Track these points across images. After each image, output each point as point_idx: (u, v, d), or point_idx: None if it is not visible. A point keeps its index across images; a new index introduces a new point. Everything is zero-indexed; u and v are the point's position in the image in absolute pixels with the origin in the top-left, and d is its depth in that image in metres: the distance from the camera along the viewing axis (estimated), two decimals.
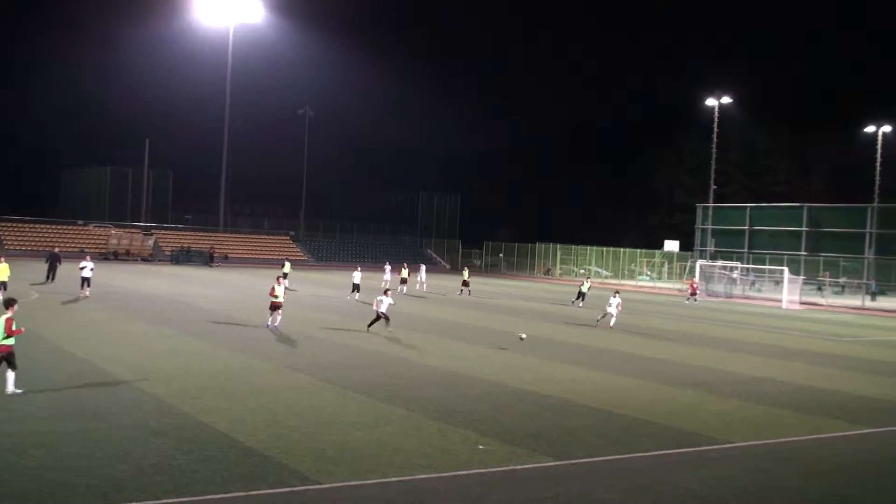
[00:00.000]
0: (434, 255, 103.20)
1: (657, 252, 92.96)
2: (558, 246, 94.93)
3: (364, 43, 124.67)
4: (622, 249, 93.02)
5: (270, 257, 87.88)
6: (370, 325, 30.37)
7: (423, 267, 60.95)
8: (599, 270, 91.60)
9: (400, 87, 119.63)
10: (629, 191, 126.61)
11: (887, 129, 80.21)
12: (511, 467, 13.68)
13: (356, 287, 45.65)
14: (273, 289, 29.78)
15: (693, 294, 60.30)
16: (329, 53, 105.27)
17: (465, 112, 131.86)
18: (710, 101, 75.92)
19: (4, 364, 16.60)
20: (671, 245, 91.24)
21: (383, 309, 30.34)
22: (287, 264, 55.85)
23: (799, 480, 13.98)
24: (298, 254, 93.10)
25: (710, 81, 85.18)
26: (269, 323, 29.79)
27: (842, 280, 69.05)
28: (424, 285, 57.48)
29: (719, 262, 68.77)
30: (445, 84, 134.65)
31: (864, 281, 64.66)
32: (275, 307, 29.69)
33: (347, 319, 34.68)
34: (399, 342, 28.31)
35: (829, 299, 64.17)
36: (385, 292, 31.34)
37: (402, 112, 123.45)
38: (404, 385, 20.26)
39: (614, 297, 38.01)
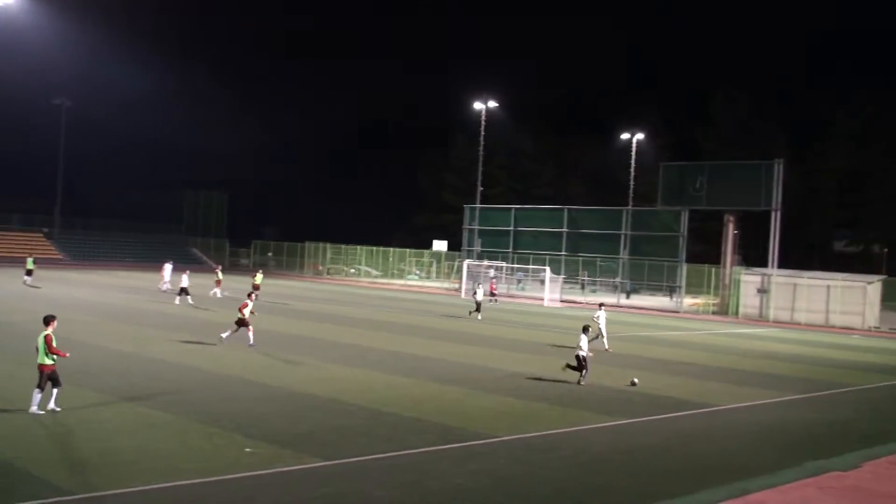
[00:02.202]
0: (200, 254, 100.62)
1: (426, 252, 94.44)
2: (328, 245, 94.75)
3: (129, 35, 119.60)
4: (392, 249, 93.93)
5: (21, 256, 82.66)
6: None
7: (169, 266, 55.85)
8: (370, 270, 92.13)
9: (167, 82, 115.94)
10: (398, 191, 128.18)
11: (640, 136, 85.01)
12: (279, 469, 13.49)
13: (184, 290, 43.75)
14: (244, 304, 28.12)
15: (493, 294, 61.11)
16: (90, 42, 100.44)
17: (232, 110, 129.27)
18: (478, 105, 77.91)
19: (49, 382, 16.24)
20: (439, 245, 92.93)
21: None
22: (30, 260, 53.15)
23: (559, 471, 14.53)
24: (53, 252, 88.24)
25: (478, 85, 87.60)
26: (226, 336, 27.89)
27: (618, 280, 72.40)
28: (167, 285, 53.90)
29: (485, 262, 70.67)
30: (214, 81, 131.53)
31: (619, 280, 68.25)
32: (241, 323, 27.69)
33: (105, 321, 33.21)
34: (160, 344, 27.35)
35: (588, 297, 67.31)
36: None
37: (168, 108, 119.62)
38: (167, 388, 19.59)
39: (600, 309, 34.14)
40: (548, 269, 64.62)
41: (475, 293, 48.18)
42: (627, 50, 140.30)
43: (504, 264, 69.96)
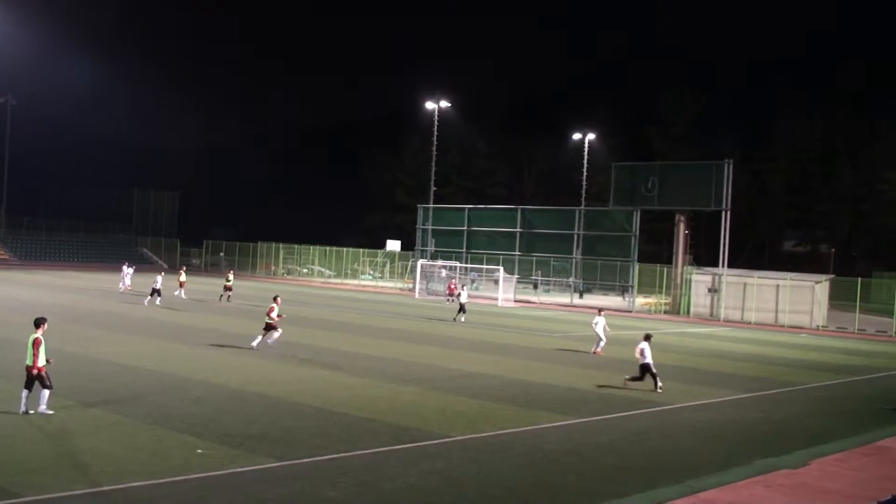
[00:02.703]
0: (150, 254, 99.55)
1: (379, 252, 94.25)
2: (281, 245, 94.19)
3: (77, 32, 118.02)
4: (345, 249, 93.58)
5: None
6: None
7: (131, 267, 55.67)
8: (323, 270, 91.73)
9: (115, 79, 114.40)
10: (351, 191, 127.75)
11: (592, 136, 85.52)
12: (232, 470, 13.39)
13: (156, 291, 43.73)
14: (271, 308, 28.43)
15: (450, 294, 61.04)
16: (35, 39, 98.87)
17: (184, 109, 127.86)
18: (430, 105, 77.87)
19: (37, 383, 16.42)
20: (393, 245, 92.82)
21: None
22: None
23: (513, 470, 14.58)
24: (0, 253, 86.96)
25: (431, 84, 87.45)
26: (258, 342, 28.15)
27: (572, 280, 72.64)
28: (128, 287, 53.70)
29: (439, 262, 70.69)
30: (163, 79, 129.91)
31: (573, 280, 68.65)
32: (269, 327, 28.11)
33: (51, 322, 32.70)
34: (108, 345, 27.02)
35: (541, 297, 67.62)
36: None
37: (117, 106, 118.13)
38: (116, 390, 19.37)
39: (599, 315, 33.44)
40: (501, 268, 64.82)
41: (459, 295, 47.45)
42: (579, 50, 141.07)
43: (458, 264, 70.00)
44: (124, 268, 53.42)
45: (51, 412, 16.39)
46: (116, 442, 14.73)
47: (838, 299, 61.64)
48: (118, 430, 15.60)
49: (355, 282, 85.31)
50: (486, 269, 69.70)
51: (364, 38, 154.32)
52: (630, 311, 60.18)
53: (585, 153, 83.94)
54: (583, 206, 74.93)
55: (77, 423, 15.89)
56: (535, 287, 70.17)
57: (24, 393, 16.45)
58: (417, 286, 69.01)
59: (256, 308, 45.56)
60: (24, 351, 16.72)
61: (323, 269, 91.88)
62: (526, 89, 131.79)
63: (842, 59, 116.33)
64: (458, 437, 16.73)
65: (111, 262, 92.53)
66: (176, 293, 48.54)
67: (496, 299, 62.72)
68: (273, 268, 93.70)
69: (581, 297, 67.88)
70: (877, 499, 10.06)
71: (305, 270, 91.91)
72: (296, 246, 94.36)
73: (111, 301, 45.07)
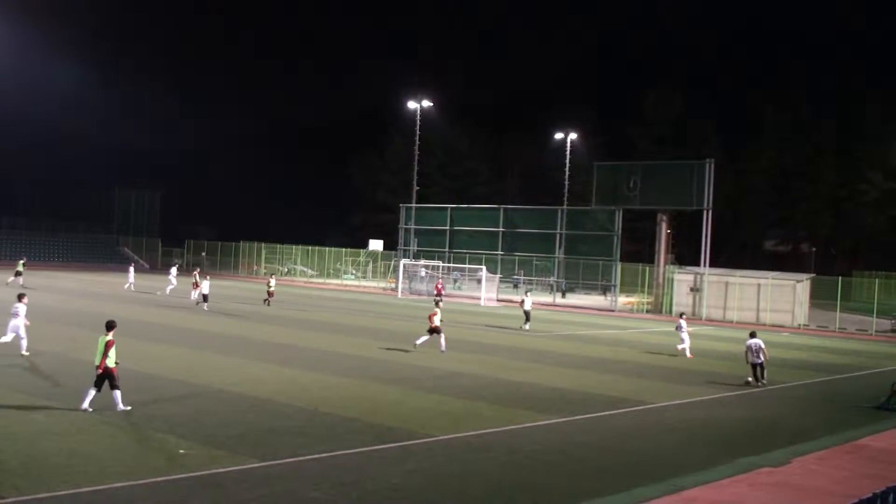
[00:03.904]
0: (132, 254, 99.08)
1: (362, 251, 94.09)
2: (263, 245, 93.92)
3: (58, 29, 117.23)
4: (327, 248, 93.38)
5: None
6: None
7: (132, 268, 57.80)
8: (305, 269, 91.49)
9: (97, 77, 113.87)
10: (333, 190, 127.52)
11: (574, 136, 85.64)
12: (213, 470, 13.33)
13: (205, 297, 43.48)
14: (433, 313, 30.50)
15: (438, 294, 61.22)
16: (15, 36, 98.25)
17: (167, 108, 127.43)
18: (412, 104, 77.78)
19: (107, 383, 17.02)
20: (375, 244, 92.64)
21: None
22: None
23: (496, 470, 14.58)
24: None
25: (413, 83, 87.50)
26: (421, 342, 30.41)
27: (552, 280, 72.70)
28: (132, 286, 55.03)
29: (422, 261, 70.64)
30: (145, 77, 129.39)
31: (555, 279, 68.73)
32: (434, 331, 30.20)
33: (34, 322, 32.48)
34: (89, 345, 26.85)
35: (523, 296, 67.60)
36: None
37: (99, 105, 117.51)
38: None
39: (681, 318, 35.23)
40: (484, 268, 64.85)
41: (522, 302, 44.27)
42: (562, 49, 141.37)
43: (440, 263, 69.97)
44: (130, 269, 57.18)
45: (128, 408, 17.19)
46: (97, 442, 14.64)
47: (819, 298, 61.93)
48: (99, 430, 15.50)
49: (338, 281, 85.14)
50: (469, 268, 69.71)
51: (345, 37, 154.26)
52: (612, 311, 60.29)
53: (568, 153, 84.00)
54: (565, 206, 75.00)
55: (58, 424, 15.78)
56: (515, 286, 70.14)
57: (92, 392, 17.03)
58: (400, 286, 68.97)
59: (217, 305, 45.43)
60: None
61: (305, 269, 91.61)
62: (508, 89, 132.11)
63: (825, 60, 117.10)
64: (442, 437, 16.71)
65: (92, 262, 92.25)
66: (193, 296, 48.08)
67: (479, 299, 62.73)
68: (255, 267, 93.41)
69: (564, 296, 67.97)
70: (858, 496, 10.08)
71: (286, 270, 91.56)
72: (278, 245, 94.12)
73: (93, 301, 44.80)
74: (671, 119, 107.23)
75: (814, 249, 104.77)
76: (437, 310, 30.74)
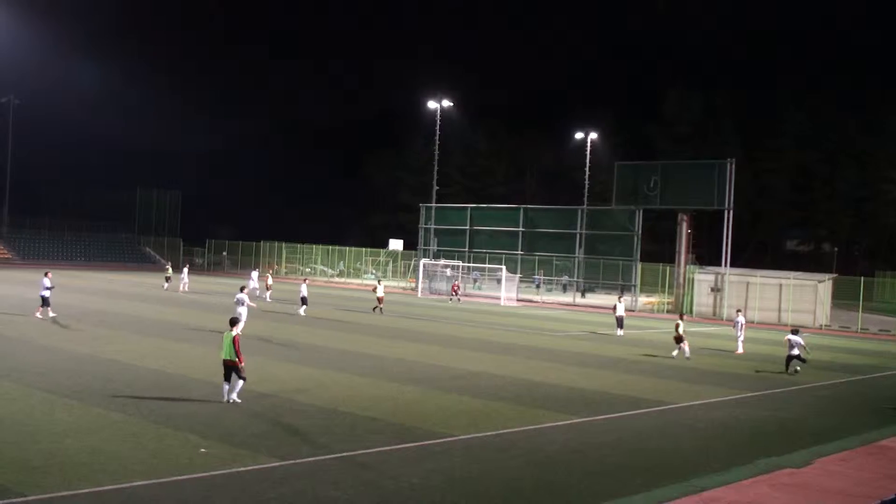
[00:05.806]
0: (153, 253, 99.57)
1: (382, 251, 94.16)
2: (283, 244, 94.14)
3: (81, 32, 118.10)
4: (348, 248, 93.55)
5: None
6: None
7: (186, 269, 59.00)
8: (325, 269, 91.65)
9: (119, 81, 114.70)
10: (354, 190, 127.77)
11: (594, 135, 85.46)
12: (234, 469, 13.38)
13: (304, 300, 43.51)
14: (677, 324, 32.68)
15: (455, 293, 61.57)
16: (39, 39, 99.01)
17: (188, 109, 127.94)
18: (432, 104, 77.79)
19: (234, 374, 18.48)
20: (395, 244, 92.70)
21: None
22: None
23: (515, 470, 14.56)
24: (1, 251, 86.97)
25: (434, 83, 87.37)
26: (676, 353, 32.37)
27: (564, 279, 72.61)
28: (187, 286, 55.96)
29: (442, 261, 70.62)
30: (165, 81, 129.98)
31: (566, 278, 68.57)
32: (679, 339, 32.32)
33: (61, 321, 32.73)
34: (112, 344, 27.01)
35: (544, 296, 67.55)
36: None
37: (120, 106, 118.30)
38: (119, 389, 19.36)
39: (738, 315, 37.05)
40: (504, 268, 64.78)
41: (615, 308, 41.91)
42: (582, 49, 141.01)
43: (460, 263, 69.94)
44: (184, 270, 58.18)
45: (240, 400, 18.43)
46: (119, 441, 14.72)
47: (841, 298, 61.52)
48: (121, 429, 15.59)
49: (358, 281, 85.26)
50: (489, 268, 69.66)
51: (366, 38, 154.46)
52: (632, 311, 60.04)
53: (588, 152, 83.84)
54: (585, 206, 74.87)
55: (80, 423, 15.88)
56: (537, 287, 70.08)
57: (225, 386, 18.58)
58: (420, 285, 69.03)
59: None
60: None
61: (326, 269, 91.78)
62: (528, 89, 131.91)
63: (845, 60, 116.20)
64: (461, 437, 16.71)
65: (114, 261, 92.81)
66: (266, 296, 50.45)
67: (499, 298, 62.67)
68: (276, 267, 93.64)
69: (584, 296, 67.82)
70: (880, 498, 10.03)
71: (308, 269, 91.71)
72: (298, 245, 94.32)
73: (111, 300, 45.04)
74: (691, 118, 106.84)
75: (835, 249, 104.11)
76: (681, 321, 33.05)
